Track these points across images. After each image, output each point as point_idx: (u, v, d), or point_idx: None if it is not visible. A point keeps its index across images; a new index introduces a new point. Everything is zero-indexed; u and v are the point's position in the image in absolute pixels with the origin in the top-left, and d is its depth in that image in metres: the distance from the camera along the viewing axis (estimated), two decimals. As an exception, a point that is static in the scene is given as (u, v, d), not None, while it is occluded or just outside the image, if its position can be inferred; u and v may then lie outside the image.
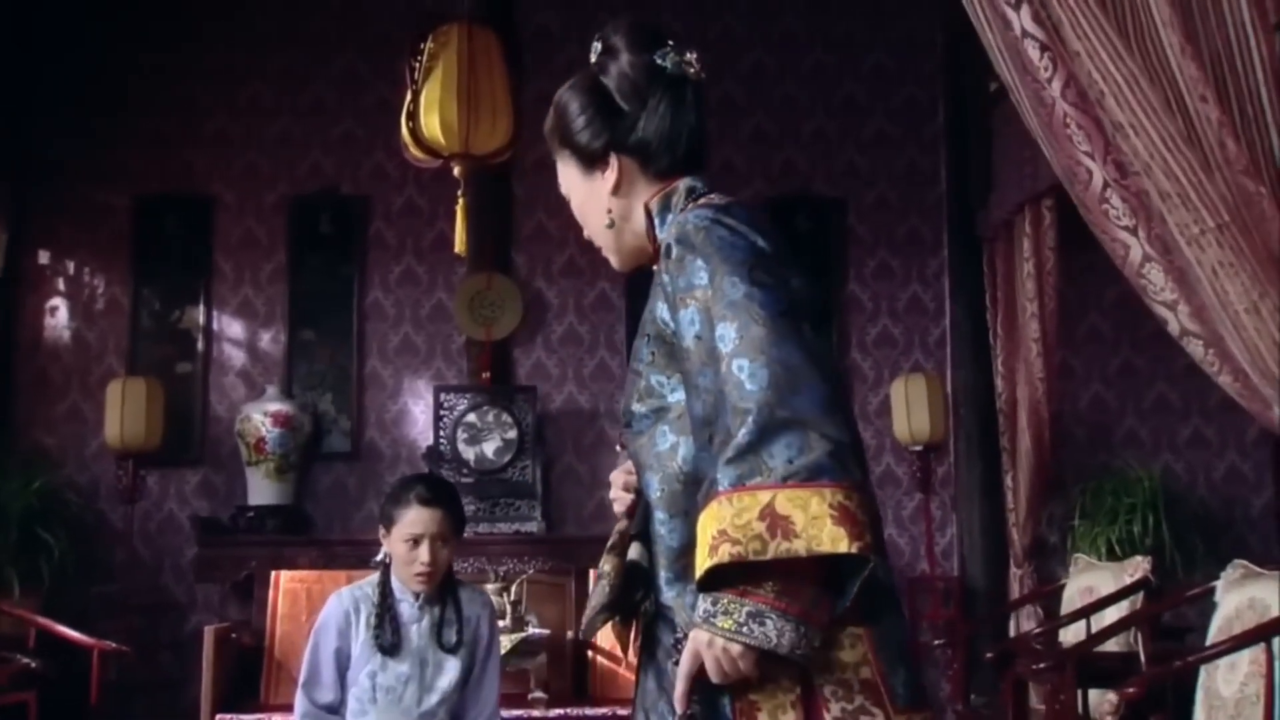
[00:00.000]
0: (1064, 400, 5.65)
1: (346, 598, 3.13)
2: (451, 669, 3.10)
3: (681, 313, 1.59)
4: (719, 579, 1.48)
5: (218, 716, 4.55)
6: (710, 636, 1.48)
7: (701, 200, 1.70)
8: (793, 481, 1.42)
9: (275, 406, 5.48)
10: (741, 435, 1.46)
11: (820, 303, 1.66)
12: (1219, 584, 3.47)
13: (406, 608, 3.12)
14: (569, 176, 1.84)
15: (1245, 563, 3.45)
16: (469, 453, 5.56)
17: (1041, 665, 3.46)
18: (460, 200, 4.42)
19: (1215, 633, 3.38)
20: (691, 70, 1.75)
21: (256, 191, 5.93)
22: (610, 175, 1.76)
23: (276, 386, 5.60)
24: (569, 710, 4.55)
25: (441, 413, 5.59)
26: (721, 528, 1.45)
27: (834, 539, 1.40)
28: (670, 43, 1.76)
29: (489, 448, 5.57)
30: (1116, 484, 5.44)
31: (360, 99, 5.97)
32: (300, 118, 5.96)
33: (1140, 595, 4.05)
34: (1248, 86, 2.66)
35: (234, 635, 4.72)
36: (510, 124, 4.41)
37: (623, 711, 4.63)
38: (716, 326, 1.53)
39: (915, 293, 5.90)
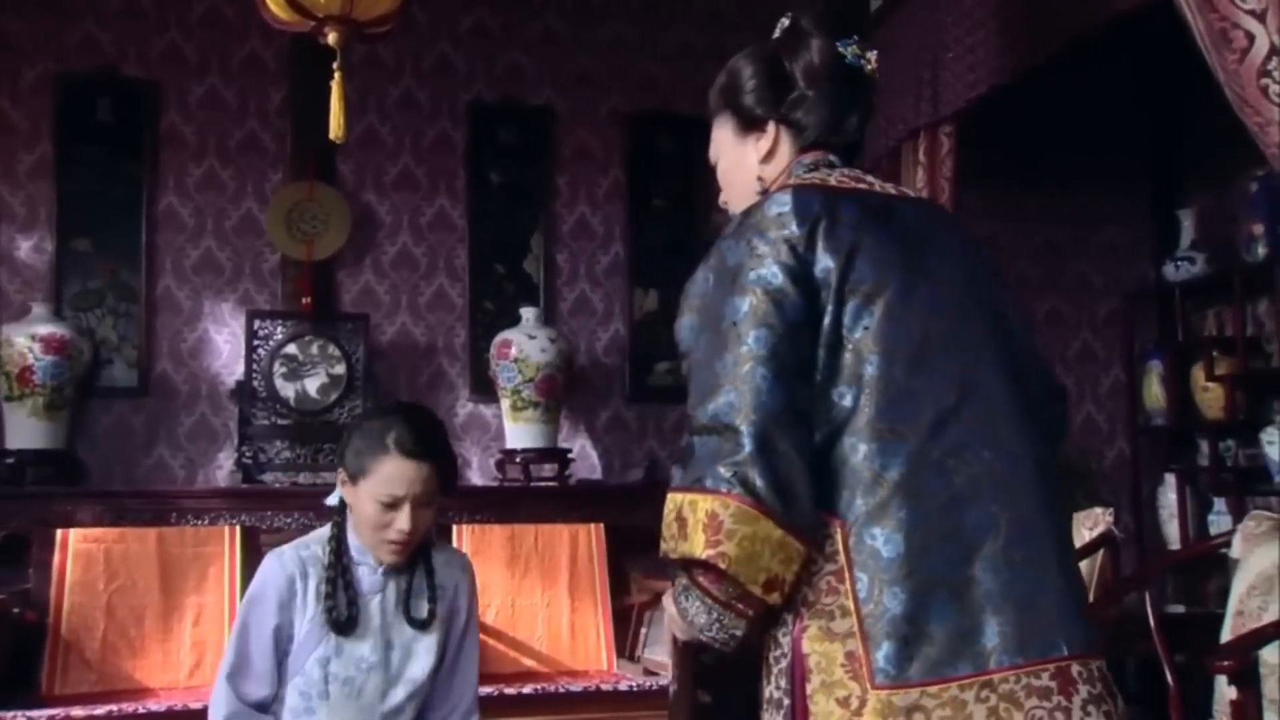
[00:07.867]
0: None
1: (290, 559, 2.33)
2: (424, 652, 2.37)
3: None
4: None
5: (-6, 715, 3.58)
6: (671, 591, 1.68)
7: (793, 179, 1.76)
8: (696, 487, 1.54)
9: (46, 329, 4.41)
10: (684, 438, 1.62)
11: (841, 281, 1.63)
12: (1235, 538, 3.16)
13: (366, 572, 2.36)
14: (722, 138, 1.91)
15: (1269, 514, 3.16)
16: (288, 390, 4.71)
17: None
18: (336, 74, 3.59)
19: (1245, 592, 3.06)
20: (868, 67, 1.83)
21: (10, 66, 4.76)
22: (764, 143, 1.84)
23: (44, 305, 4.53)
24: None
25: (255, 343, 4.70)
26: (664, 521, 1.61)
27: (696, 545, 1.53)
28: (855, 36, 1.83)
29: (311, 385, 4.74)
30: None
31: (148, -40, 4.93)
32: (69, -23, 4.86)
33: (1101, 552, 3.73)
34: None
35: (15, 610, 3.72)
36: (400, -15, 3.61)
37: (510, 691, 3.98)
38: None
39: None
